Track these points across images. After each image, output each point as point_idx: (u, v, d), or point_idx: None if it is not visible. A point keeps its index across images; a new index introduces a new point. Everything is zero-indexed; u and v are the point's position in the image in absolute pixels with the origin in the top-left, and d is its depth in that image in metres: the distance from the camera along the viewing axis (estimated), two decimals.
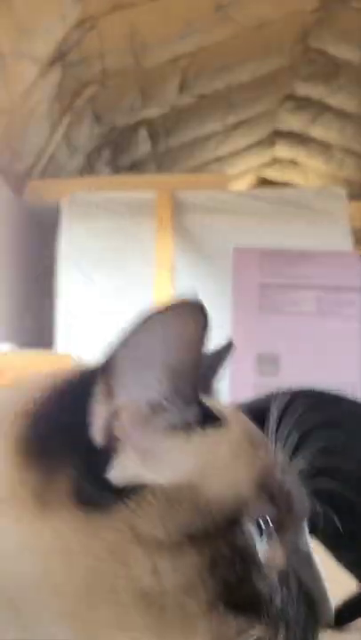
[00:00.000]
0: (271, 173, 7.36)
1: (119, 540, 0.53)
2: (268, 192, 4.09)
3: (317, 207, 3.66)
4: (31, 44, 3.29)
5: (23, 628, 0.53)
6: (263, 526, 0.63)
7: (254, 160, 6.90)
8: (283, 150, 6.80)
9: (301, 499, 0.70)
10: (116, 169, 5.50)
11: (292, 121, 6.19)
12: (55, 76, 3.79)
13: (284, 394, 1.08)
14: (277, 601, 0.62)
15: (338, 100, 5.57)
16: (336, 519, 0.88)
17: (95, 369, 0.62)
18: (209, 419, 0.65)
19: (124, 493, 0.55)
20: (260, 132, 6.22)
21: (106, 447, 0.58)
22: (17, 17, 3.10)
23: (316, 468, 0.83)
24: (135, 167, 5.59)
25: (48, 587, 0.51)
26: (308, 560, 0.69)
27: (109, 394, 0.61)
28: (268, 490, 0.65)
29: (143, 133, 5.20)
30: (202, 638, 0.57)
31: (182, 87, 4.60)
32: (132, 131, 5.15)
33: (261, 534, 0.63)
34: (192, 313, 0.67)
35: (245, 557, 0.60)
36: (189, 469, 0.58)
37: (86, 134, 4.66)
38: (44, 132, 4.08)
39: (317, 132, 6.25)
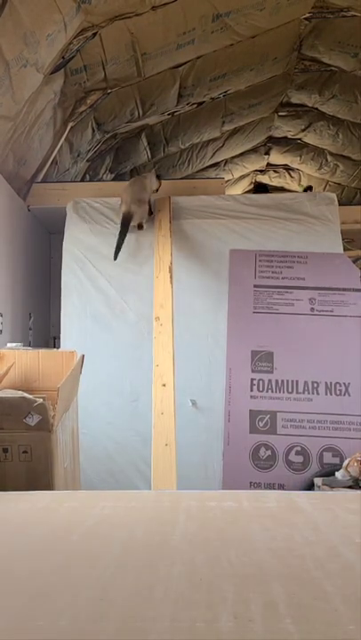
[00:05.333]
0: (266, 179, 7.49)
1: None
2: (262, 197, 4.17)
3: (310, 211, 3.77)
4: (35, 52, 3.34)
5: None
6: None
7: (250, 166, 7.02)
8: (277, 156, 6.93)
9: None
10: (117, 174, 5.59)
11: (287, 128, 6.31)
12: (58, 83, 3.86)
13: None
14: None
15: (331, 107, 5.69)
16: None
17: None
18: None
19: None
20: (256, 138, 6.34)
21: None
22: (21, 27, 3.16)
23: None
24: (136, 172, 5.69)
25: None
26: None
27: None
28: None
29: (143, 140, 5.29)
30: None
31: (181, 95, 4.68)
32: (133, 137, 5.24)
33: None
34: None
35: None
36: None
37: (88, 140, 4.73)
38: (47, 139, 4.15)
39: (311, 138, 6.38)
